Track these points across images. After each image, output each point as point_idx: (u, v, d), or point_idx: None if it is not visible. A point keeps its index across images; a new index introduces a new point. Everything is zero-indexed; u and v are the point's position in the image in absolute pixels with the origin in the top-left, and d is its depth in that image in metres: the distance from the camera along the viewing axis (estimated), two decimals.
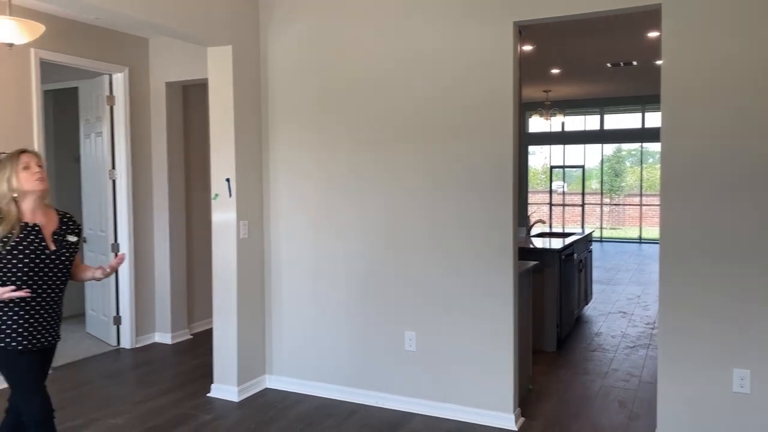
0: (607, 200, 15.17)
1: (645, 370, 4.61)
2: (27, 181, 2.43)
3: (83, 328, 5.71)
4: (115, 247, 5.16)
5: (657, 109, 11.17)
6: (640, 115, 12.75)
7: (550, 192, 14.79)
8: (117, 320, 5.27)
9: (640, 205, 14.30)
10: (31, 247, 2.42)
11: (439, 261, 3.70)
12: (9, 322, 2.40)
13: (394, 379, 3.86)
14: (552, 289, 5.10)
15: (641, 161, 14.36)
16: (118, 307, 5.26)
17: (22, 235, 2.41)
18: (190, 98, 5.64)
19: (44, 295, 2.47)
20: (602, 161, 14.57)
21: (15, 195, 2.43)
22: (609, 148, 14.96)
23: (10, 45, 3.78)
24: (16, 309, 2.41)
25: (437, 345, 3.72)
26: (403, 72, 3.75)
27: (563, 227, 14.16)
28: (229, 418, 3.75)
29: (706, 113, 3.06)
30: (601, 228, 14.61)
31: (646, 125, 12.62)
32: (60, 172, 6.11)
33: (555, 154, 14.42)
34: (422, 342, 3.77)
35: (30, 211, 2.47)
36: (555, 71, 8.62)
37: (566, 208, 15.02)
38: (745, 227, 3.01)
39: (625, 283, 8.60)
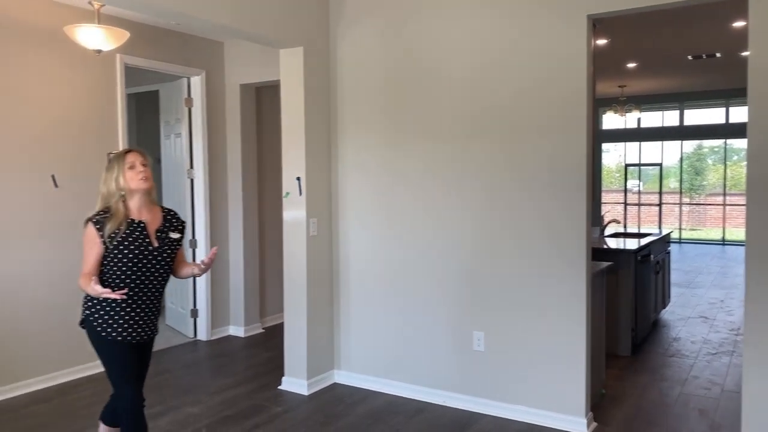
0: (686, 200, 14.46)
1: (728, 378, 4.37)
2: (132, 180, 2.53)
3: (163, 320, 5.99)
4: (193, 243, 5.39)
5: (742, 104, 10.56)
6: (723, 110, 12.07)
7: (625, 191, 14.25)
8: (194, 313, 5.49)
9: (724, 204, 13.55)
10: (136, 243, 2.52)
11: (509, 260, 3.64)
12: (112, 313, 2.54)
13: (461, 379, 3.83)
14: (627, 291, 4.92)
15: (725, 159, 13.60)
16: (195, 301, 5.48)
17: (128, 231, 2.51)
18: (263, 99, 5.81)
19: (145, 290, 2.57)
20: (681, 159, 13.90)
21: (122, 193, 2.53)
22: (689, 145, 14.27)
23: (99, 51, 4.02)
24: (119, 301, 2.52)
25: (506, 345, 3.67)
26: (473, 68, 3.71)
27: (638, 227, 13.61)
28: (299, 411, 3.84)
29: None
30: (680, 229, 13.95)
31: (731, 120, 11.94)
32: None
33: (630, 151, 13.88)
34: (491, 342, 3.72)
35: (136, 208, 2.57)
36: (631, 65, 8.29)
37: (642, 207, 14.43)
38: None
39: (706, 286, 8.18)
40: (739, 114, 11.69)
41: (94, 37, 3.89)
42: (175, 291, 5.71)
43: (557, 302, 3.50)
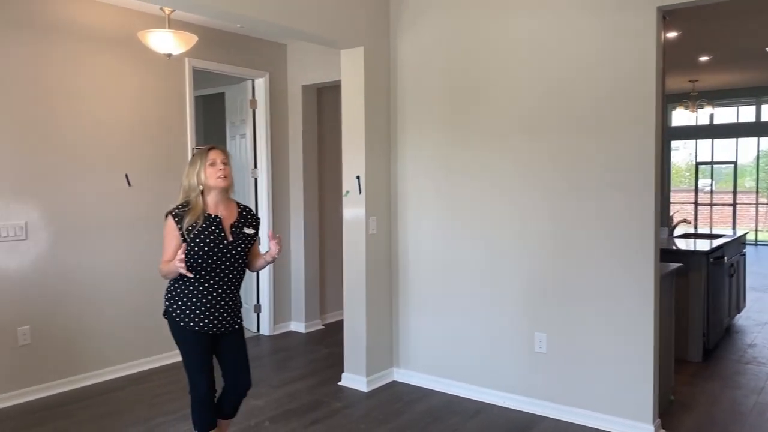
0: (763, 200, 13.70)
1: None
2: (211, 177, 2.63)
3: None
4: (257, 241, 5.52)
5: None
6: None
7: (696, 190, 13.64)
8: (257, 308, 5.64)
9: None
10: (212, 237, 2.62)
11: (573, 260, 3.56)
12: (189, 304, 2.65)
13: (522, 380, 3.78)
14: (698, 295, 4.72)
15: None
16: (259, 297, 5.63)
17: (204, 225, 2.62)
18: (324, 100, 5.90)
19: (221, 282, 2.67)
20: (758, 156, 13.17)
21: (202, 188, 2.64)
22: (766, 142, 13.51)
23: (169, 55, 4.18)
24: (195, 292, 2.64)
25: (569, 348, 3.59)
26: (535, 66, 3.65)
27: (710, 228, 13.01)
28: (358, 407, 3.88)
29: None
30: (756, 230, 13.22)
31: None
32: None
33: (702, 149, 13.27)
34: (553, 344, 3.65)
35: (214, 203, 2.68)
36: (703, 59, 7.93)
37: (714, 207, 13.77)
38: None
39: None
40: None
41: (164, 41, 4.06)
42: None
43: (624, 304, 3.39)
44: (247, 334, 5.49)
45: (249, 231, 2.75)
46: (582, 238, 3.52)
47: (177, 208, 2.66)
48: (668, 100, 10.58)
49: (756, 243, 12.91)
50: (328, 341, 5.36)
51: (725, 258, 5.24)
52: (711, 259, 4.84)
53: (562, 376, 3.62)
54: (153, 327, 4.67)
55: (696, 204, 13.58)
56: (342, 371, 4.30)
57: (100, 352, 4.37)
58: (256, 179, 5.54)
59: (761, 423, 3.59)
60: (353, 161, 4.15)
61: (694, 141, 13.21)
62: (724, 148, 13.01)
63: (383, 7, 4.21)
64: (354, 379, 4.20)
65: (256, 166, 5.53)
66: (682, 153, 14.07)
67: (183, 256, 2.50)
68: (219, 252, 2.63)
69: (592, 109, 3.46)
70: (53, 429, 3.55)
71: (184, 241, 2.60)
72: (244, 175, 5.63)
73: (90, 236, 4.30)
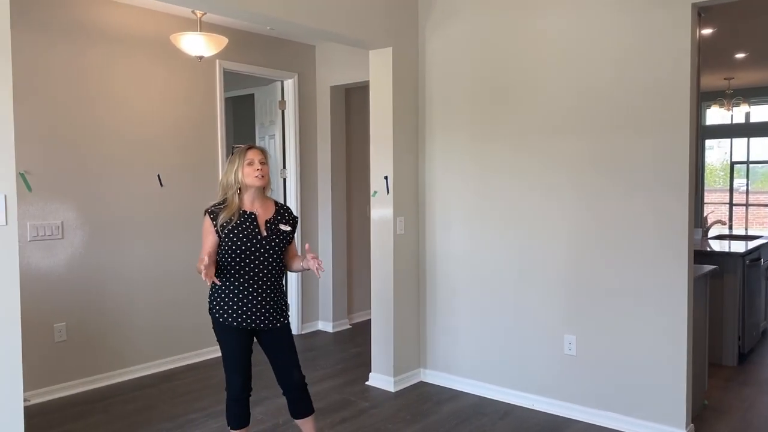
0: None
1: None
2: (249, 176, 2.67)
3: None
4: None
5: None
6: None
7: (731, 190, 13.31)
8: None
9: None
10: (246, 232, 2.65)
11: (604, 261, 3.51)
12: (226, 299, 2.68)
13: (551, 383, 3.74)
14: (733, 297, 4.61)
15: None
16: (286, 296, 5.67)
17: (239, 221, 2.66)
18: (352, 100, 5.92)
19: (256, 277, 2.68)
20: None
21: (239, 186, 2.69)
22: None
23: (201, 57, 4.25)
24: (232, 288, 2.67)
25: (600, 350, 3.54)
26: (567, 64, 3.61)
27: (746, 229, 12.69)
28: (386, 407, 3.88)
29: None
30: None
31: None
32: None
33: (737, 148, 12.95)
34: (583, 346, 3.60)
35: (250, 201, 2.72)
36: (740, 55, 7.74)
37: (750, 208, 13.42)
38: None
39: None
40: None
41: (196, 44, 4.12)
42: None
43: (656, 306, 3.33)
44: None
45: (285, 228, 2.77)
46: (613, 238, 3.47)
47: (214, 205, 2.72)
48: (702, 98, 10.33)
49: None
50: (356, 341, 5.38)
51: (762, 260, 5.12)
52: (747, 261, 4.72)
53: (592, 379, 3.58)
54: (183, 325, 4.76)
55: (731, 204, 13.25)
56: (369, 371, 4.31)
57: (133, 349, 4.46)
58: (285, 179, 5.59)
59: None
60: (381, 161, 4.16)
61: (728, 140, 12.90)
62: (761, 147, 12.67)
63: (412, 7, 4.21)
64: (381, 379, 4.21)
65: (285, 167, 5.58)
66: (716, 152, 13.74)
67: (207, 260, 2.53)
68: (252, 246, 2.66)
69: (626, 108, 3.41)
70: (89, 424, 3.64)
71: (219, 237, 2.65)
72: (273, 175, 5.68)
73: (123, 236, 4.39)
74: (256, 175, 2.67)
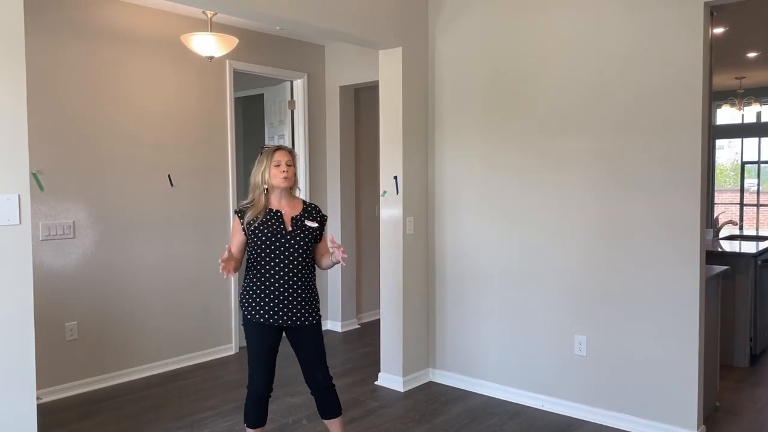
0: None
1: None
2: (275, 177, 2.73)
3: None
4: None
5: None
6: None
7: (741, 190, 13.21)
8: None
9: None
10: (271, 228, 2.71)
11: (615, 262, 3.50)
12: (253, 295, 2.73)
13: (561, 383, 3.72)
14: (744, 298, 4.57)
15: None
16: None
17: (265, 219, 2.72)
18: (361, 100, 5.92)
19: (282, 273, 2.70)
20: None
21: (266, 186, 2.74)
22: None
23: (211, 58, 4.26)
24: (260, 284, 2.71)
25: (610, 351, 3.53)
26: (579, 64, 3.60)
27: (756, 230, 12.59)
28: (395, 407, 3.88)
29: None
30: None
31: None
32: (247, 171, 6.70)
33: (748, 148, 12.85)
34: (594, 347, 3.59)
35: (277, 200, 2.78)
36: (751, 55, 7.67)
37: (760, 208, 13.32)
38: None
39: None
40: None
41: (207, 44, 4.14)
42: None
43: (667, 307, 3.31)
44: None
45: (311, 224, 2.79)
46: (624, 239, 3.46)
47: (243, 205, 2.80)
48: (713, 97, 10.26)
49: None
50: (365, 340, 5.38)
51: None
52: (759, 262, 4.69)
53: (602, 380, 3.56)
54: (192, 324, 4.78)
55: (741, 204, 13.15)
56: (378, 371, 4.31)
57: (143, 349, 4.48)
58: None
59: None
60: (391, 161, 4.16)
61: (739, 140, 12.80)
62: None
63: (422, 7, 4.21)
64: (390, 379, 4.21)
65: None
66: (726, 152, 13.64)
67: (226, 254, 2.60)
68: (277, 242, 2.69)
69: (637, 107, 3.39)
70: (99, 422, 3.66)
71: (247, 235, 2.72)
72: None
73: (134, 235, 4.41)
74: (283, 176, 2.73)
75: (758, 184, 13.57)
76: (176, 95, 4.63)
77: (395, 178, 4.13)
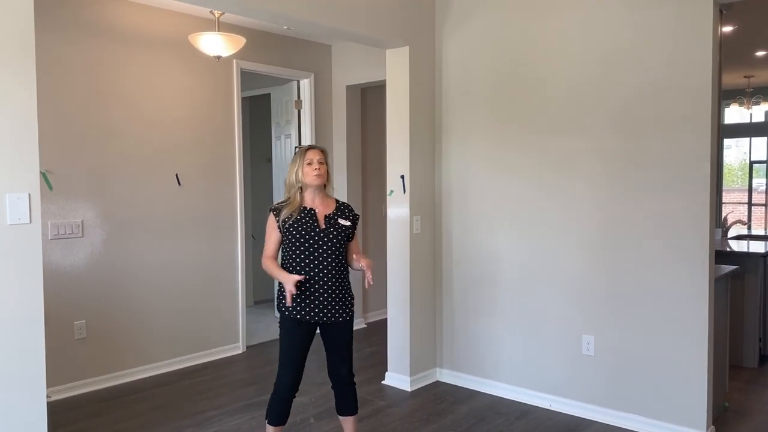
0: None
1: None
2: (308, 175, 2.79)
3: (273, 312, 6.27)
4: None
5: None
6: None
7: (750, 190, 13.13)
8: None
9: None
10: (305, 226, 2.76)
11: (623, 261, 3.48)
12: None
13: (569, 383, 3.72)
14: (754, 298, 4.55)
15: None
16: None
17: (299, 217, 2.77)
18: (368, 100, 5.93)
19: (317, 270, 2.75)
20: None
21: (300, 185, 2.80)
22: None
23: (219, 57, 4.27)
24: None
25: (619, 351, 3.51)
26: (587, 63, 3.59)
27: (765, 230, 12.51)
28: (402, 406, 3.88)
29: None
30: None
31: None
32: (254, 171, 6.78)
33: (756, 147, 12.77)
34: (602, 347, 3.58)
35: (310, 199, 2.83)
36: (760, 53, 7.63)
37: None
38: None
39: None
40: None
41: (214, 44, 4.15)
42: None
43: (676, 307, 3.30)
44: None
45: (344, 222, 2.84)
46: (633, 238, 3.44)
47: (279, 203, 2.86)
48: (722, 96, 10.21)
49: None
50: (371, 340, 5.38)
51: None
52: None
53: (610, 380, 3.55)
54: (200, 323, 4.79)
55: (750, 204, 13.08)
56: (385, 370, 4.31)
57: (151, 347, 4.50)
58: None
59: None
60: (398, 160, 4.16)
61: (747, 139, 12.73)
62: None
63: (429, 6, 4.21)
64: (398, 379, 4.21)
65: None
66: (734, 151, 13.57)
67: (293, 289, 2.65)
68: (311, 239, 2.74)
69: (646, 107, 3.37)
70: (109, 420, 3.68)
71: (281, 233, 2.77)
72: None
73: (142, 235, 4.43)
74: (315, 174, 2.78)
75: (766, 184, 13.48)
76: (184, 95, 4.64)
77: (402, 177, 4.13)
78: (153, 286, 4.51)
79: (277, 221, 2.79)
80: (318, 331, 2.86)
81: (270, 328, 5.77)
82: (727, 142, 12.67)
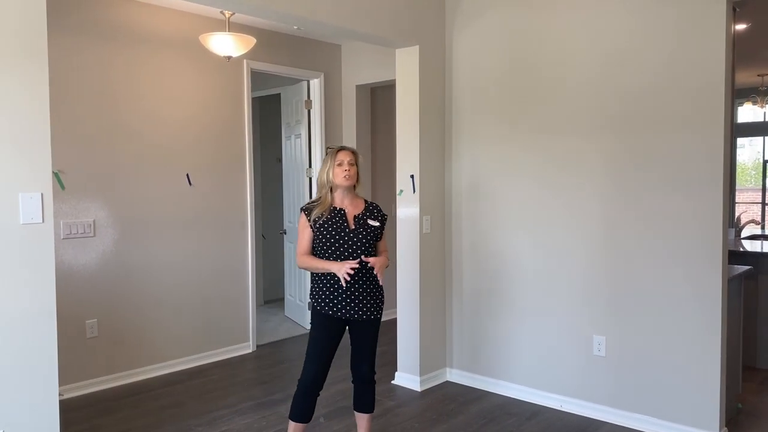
0: None
1: None
2: (338, 176, 2.85)
3: (282, 311, 6.29)
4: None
5: None
6: None
7: (763, 189, 12.99)
8: (311, 306, 5.70)
9: None
10: (335, 226, 2.83)
11: (635, 261, 3.46)
12: (324, 289, 2.84)
13: (580, 384, 3.69)
14: (767, 298, 4.50)
15: None
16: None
17: (329, 216, 2.85)
18: (377, 99, 5.92)
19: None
20: None
21: (330, 185, 2.87)
22: None
23: (229, 57, 4.29)
24: (324, 279, 2.84)
25: (630, 351, 3.49)
26: (598, 62, 3.56)
27: None
28: (412, 406, 3.88)
29: None
30: None
31: None
32: (265, 171, 6.80)
33: None
34: (613, 347, 3.55)
35: (340, 199, 2.90)
36: None
37: None
38: None
39: None
40: None
41: (224, 44, 4.16)
42: (293, 284, 5.97)
43: (689, 307, 3.27)
44: (301, 331, 5.64)
45: (373, 223, 2.91)
46: (645, 238, 3.42)
47: (310, 203, 2.94)
48: (735, 95, 10.10)
49: None
50: (381, 339, 5.29)
51: None
52: None
53: (622, 381, 3.53)
54: (211, 322, 4.81)
55: (764, 204, 12.94)
56: (395, 370, 4.31)
57: (162, 346, 4.52)
58: (311, 179, 5.61)
59: None
60: (407, 160, 4.15)
61: (761, 138, 12.59)
62: None
63: (439, 5, 4.20)
64: (407, 378, 4.20)
65: (311, 166, 5.60)
66: (747, 150, 13.44)
67: (350, 270, 2.70)
68: (341, 239, 2.81)
69: (658, 106, 3.35)
70: (120, 418, 3.70)
71: (312, 231, 2.84)
72: (299, 175, 5.72)
73: (153, 234, 4.45)
74: (345, 175, 2.85)
75: None
76: (194, 95, 4.66)
77: (412, 176, 4.12)
78: (164, 286, 4.53)
79: (308, 220, 2.86)
80: (347, 329, 2.92)
81: (280, 328, 5.79)
82: (740, 141, 12.54)
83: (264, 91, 6.12)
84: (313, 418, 3.61)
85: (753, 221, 6.27)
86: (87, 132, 4.09)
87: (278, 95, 6.05)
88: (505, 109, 3.98)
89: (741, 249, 4.78)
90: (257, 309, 5.51)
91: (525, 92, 3.88)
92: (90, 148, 4.11)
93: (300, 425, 2.91)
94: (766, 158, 12.90)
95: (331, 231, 2.82)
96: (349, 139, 5.68)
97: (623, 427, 3.49)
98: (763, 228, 10.66)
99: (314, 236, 2.85)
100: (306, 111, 5.58)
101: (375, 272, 2.81)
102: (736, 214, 6.26)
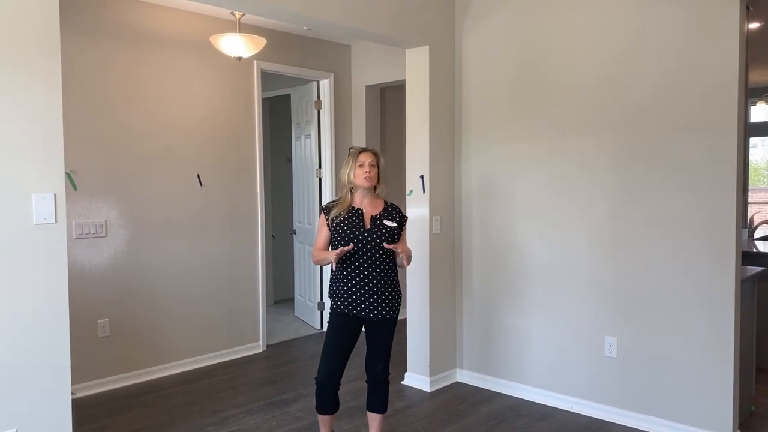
0: None
1: None
2: (358, 177, 2.90)
3: (292, 311, 6.31)
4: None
5: None
6: None
7: None
8: (321, 306, 5.72)
9: None
10: (351, 225, 2.88)
11: (648, 262, 3.43)
12: (341, 286, 2.89)
13: (591, 385, 3.67)
14: None
15: None
16: (322, 294, 5.71)
17: (347, 216, 2.90)
18: (387, 100, 5.92)
19: (362, 268, 2.86)
20: None
21: (351, 186, 2.92)
22: None
23: (240, 58, 4.30)
24: (341, 277, 2.89)
25: (642, 353, 3.46)
26: (609, 61, 3.54)
27: None
28: (422, 407, 3.87)
29: None
30: None
31: None
32: (275, 171, 6.82)
33: None
34: (624, 349, 3.53)
35: (359, 199, 2.95)
36: None
37: None
38: None
39: None
40: None
41: (235, 45, 4.18)
42: (303, 284, 5.98)
43: (701, 308, 3.24)
44: (311, 331, 5.65)
45: (390, 223, 2.93)
46: (657, 238, 3.39)
47: (330, 202, 3.01)
48: (748, 94, 10.00)
49: None
50: None
51: None
52: None
53: (633, 382, 3.50)
54: (222, 322, 4.83)
55: None
56: (405, 370, 4.30)
57: (173, 346, 4.54)
58: (320, 179, 5.62)
59: None
60: (417, 160, 4.15)
61: None
62: None
63: (449, 5, 4.19)
64: (417, 379, 4.20)
65: (320, 167, 5.61)
66: (761, 150, 13.32)
67: (338, 251, 2.76)
68: (356, 238, 2.84)
69: (671, 105, 3.32)
70: (130, 418, 3.72)
71: (330, 230, 2.89)
72: (309, 175, 5.73)
73: (164, 234, 4.48)
74: (365, 177, 2.89)
75: None
76: (205, 96, 4.68)
77: (421, 177, 4.12)
78: (175, 286, 4.55)
79: (327, 219, 2.90)
80: (363, 328, 2.95)
81: (290, 328, 5.80)
82: (753, 141, 12.42)
83: (274, 92, 6.14)
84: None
85: (766, 222, 6.20)
86: (99, 132, 4.12)
87: (288, 96, 6.06)
88: (515, 108, 3.96)
89: (754, 250, 4.73)
90: (267, 309, 5.52)
91: (535, 91, 3.86)
92: (102, 148, 4.14)
93: (326, 417, 3.00)
94: None
95: (346, 230, 2.85)
96: (359, 139, 5.69)
97: (635, 429, 3.46)
98: None
99: (331, 235, 2.89)
100: (316, 111, 5.59)
101: (395, 249, 2.80)
102: (749, 215, 6.20)
